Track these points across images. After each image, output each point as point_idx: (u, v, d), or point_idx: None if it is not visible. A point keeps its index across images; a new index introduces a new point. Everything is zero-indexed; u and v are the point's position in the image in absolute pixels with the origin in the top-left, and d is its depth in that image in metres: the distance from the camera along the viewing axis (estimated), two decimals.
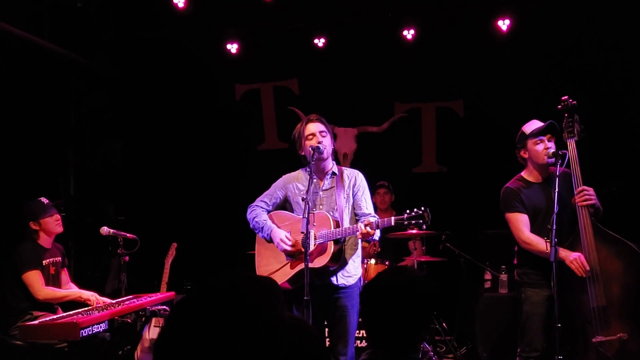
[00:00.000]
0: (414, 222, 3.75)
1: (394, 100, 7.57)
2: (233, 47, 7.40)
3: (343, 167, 4.29)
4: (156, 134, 7.84)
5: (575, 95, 6.52)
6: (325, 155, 4.07)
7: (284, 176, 4.35)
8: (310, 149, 4.02)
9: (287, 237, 4.10)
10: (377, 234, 3.91)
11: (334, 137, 7.26)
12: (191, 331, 1.19)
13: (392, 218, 3.82)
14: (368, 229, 3.75)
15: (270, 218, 4.30)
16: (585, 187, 3.94)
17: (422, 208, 3.78)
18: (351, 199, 4.14)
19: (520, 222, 4.11)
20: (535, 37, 6.71)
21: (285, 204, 4.31)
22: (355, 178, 4.18)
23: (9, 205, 5.97)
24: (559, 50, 6.69)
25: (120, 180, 7.79)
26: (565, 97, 4.13)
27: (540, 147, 4.09)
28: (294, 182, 4.25)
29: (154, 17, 7.33)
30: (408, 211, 3.80)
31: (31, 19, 6.40)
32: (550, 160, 4.06)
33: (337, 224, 3.99)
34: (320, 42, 7.25)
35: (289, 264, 4.15)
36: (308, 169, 4.08)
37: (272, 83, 7.84)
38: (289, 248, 4.05)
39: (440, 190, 7.25)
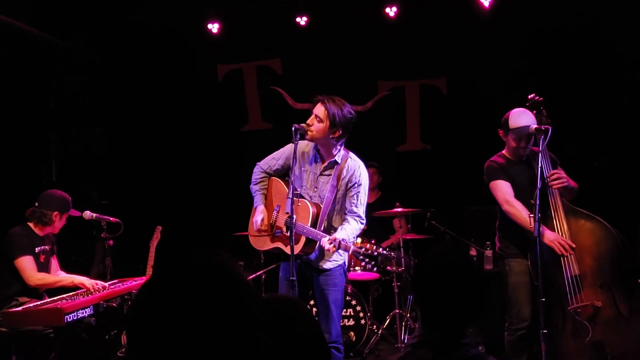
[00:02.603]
0: (367, 259, 3.72)
1: (377, 79, 7.53)
2: (214, 27, 7.32)
3: (349, 157, 4.12)
4: (138, 117, 7.77)
5: (559, 70, 6.59)
6: (308, 136, 3.97)
7: (291, 146, 4.09)
8: (292, 128, 3.95)
9: (260, 221, 4.16)
10: (347, 241, 3.83)
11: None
12: (165, 308, 1.15)
13: (352, 247, 3.73)
14: (330, 246, 3.70)
15: (271, 184, 4.32)
16: (555, 171, 4.10)
17: (377, 252, 3.72)
18: (343, 191, 4.07)
19: (504, 187, 4.23)
20: (516, 11, 6.69)
21: (288, 171, 4.18)
22: (353, 173, 4.05)
23: None
24: (540, 25, 6.68)
25: (103, 165, 7.73)
26: (532, 95, 4.31)
27: (519, 144, 4.22)
28: (299, 159, 4.13)
29: None
30: (364, 249, 3.72)
31: (9, 1, 6.27)
32: (524, 152, 4.24)
33: (316, 220, 3.98)
34: (302, 20, 7.18)
35: (271, 236, 4.23)
36: (314, 149, 4.10)
37: (255, 63, 7.77)
38: (254, 231, 4.17)
39: (425, 168, 7.27)
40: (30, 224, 4.76)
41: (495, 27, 6.74)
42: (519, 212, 4.10)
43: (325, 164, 4.08)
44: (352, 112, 4.05)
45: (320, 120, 3.96)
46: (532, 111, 4.25)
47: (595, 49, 6.56)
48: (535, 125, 4.07)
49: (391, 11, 6.94)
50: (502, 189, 4.23)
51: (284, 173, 4.30)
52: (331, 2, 7.18)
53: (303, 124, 3.99)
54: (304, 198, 4.10)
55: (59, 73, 7.28)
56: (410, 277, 5.94)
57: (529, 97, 4.32)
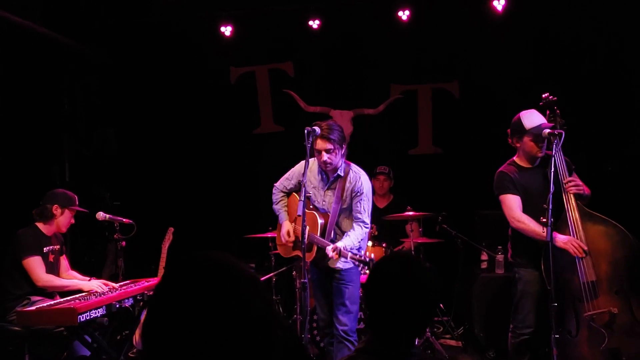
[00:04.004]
0: (361, 265, 4.02)
1: (389, 82, 7.54)
2: (227, 30, 7.34)
3: (350, 168, 4.45)
4: (151, 118, 7.80)
5: (571, 74, 6.56)
6: (329, 168, 4.34)
7: (300, 165, 4.57)
8: (305, 131, 4.18)
9: (288, 233, 4.52)
10: (351, 250, 4.11)
11: (330, 119, 7.36)
12: (178, 307, 1.16)
13: (349, 254, 3.99)
14: (333, 253, 4.05)
15: (292, 198, 4.67)
16: (572, 178, 4.10)
17: (370, 258, 3.95)
18: (349, 201, 4.39)
19: (513, 202, 4.22)
20: (529, 16, 6.67)
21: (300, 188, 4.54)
22: (355, 184, 4.37)
23: (4, 192, 5.96)
24: (553, 29, 6.67)
25: (115, 166, 7.77)
26: (546, 94, 4.30)
27: (535, 145, 4.20)
28: (307, 175, 4.37)
29: (148, 1, 7.26)
30: (358, 255, 4.00)
31: (23, 3, 6.32)
32: (541, 154, 4.22)
33: (324, 229, 4.36)
34: (314, 23, 7.19)
35: (292, 245, 4.62)
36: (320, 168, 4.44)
37: (267, 66, 7.79)
38: (284, 243, 4.56)
39: (436, 171, 7.26)
40: (38, 224, 4.81)
41: (508, 31, 6.72)
42: (528, 225, 4.09)
43: (331, 179, 4.42)
44: (338, 124, 4.40)
45: (333, 150, 4.26)
46: (545, 110, 4.25)
47: (608, 53, 6.54)
48: (548, 130, 4.05)
49: (404, 14, 6.94)
50: (510, 205, 4.21)
51: (298, 190, 4.58)
52: (343, 6, 7.18)
53: (316, 127, 4.22)
54: (315, 206, 4.50)
55: (72, 74, 7.32)
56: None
57: (543, 96, 4.30)
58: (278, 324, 1.54)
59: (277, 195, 4.70)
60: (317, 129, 4.21)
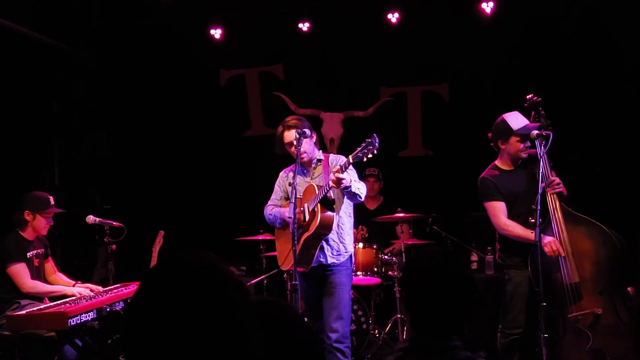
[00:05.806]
0: (366, 151, 3.91)
1: (379, 85, 7.56)
2: (217, 33, 7.35)
3: (328, 154, 4.51)
4: (142, 121, 7.79)
5: (561, 77, 6.60)
6: (305, 158, 4.33)
7: (280, 176, 4.62)
8: (295, 133, 4.23)
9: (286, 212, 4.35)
10: (353, 185, 4.06)
11: (321, 122, 7.38)
12: (157, 309, 1.16)
13: (350, 156, 3.97)
14: (337, 175, 3.92)
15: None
16: (555, 178, 4.10)
17: (371, 137, 3.90)
18: None
19: (497, 209, 4.25)
20: (518, 18, 6.71)
21: (286, 196, 4.53)
22: (338, 161, 4.37)
23: None
24: (542, 32, 6.70)
25: (106, 169, 7.75)
26: (530, 95, 4.32)
27: (522, 146, 4.23)
28: (285, 175, 4.53)
29: (138, 4, 7.25)
30: (359, 148, 3.94)
31: (13, 6, 6.30)
32: (525, 155, 4.25)
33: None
34: (304, 26, 7.21)
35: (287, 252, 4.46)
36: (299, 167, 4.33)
37: (257, 68, 7.79)
38: (282, 255, 4.44)
39: (427, 173, 7.28)
40: (18, 230, 4.78)
41: (497, 34, 6.76)
42: (515, 230, 4.14)
43: (312, 167, 4.42)
44: (300, 115, 4.52)
45: (305, 137, 4.23)
46: (530, 111, 4.28)
47: (599, 57, 6.57)
48: (537, 131, 4.07)
49: (393, 17, 6.97)
50: (495, 212, 4.24)
51: (287, 198, 4.50)
52: (333, 8, 7.21)
53: (306, 129, 4.26)
54: None
55: (63, 78, 7.30)
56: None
57: (527, 97, 4.33)
58: (272, 324, 1.54)
59: (268, 208, 4.57)
60: (283, 125, 4.34)
